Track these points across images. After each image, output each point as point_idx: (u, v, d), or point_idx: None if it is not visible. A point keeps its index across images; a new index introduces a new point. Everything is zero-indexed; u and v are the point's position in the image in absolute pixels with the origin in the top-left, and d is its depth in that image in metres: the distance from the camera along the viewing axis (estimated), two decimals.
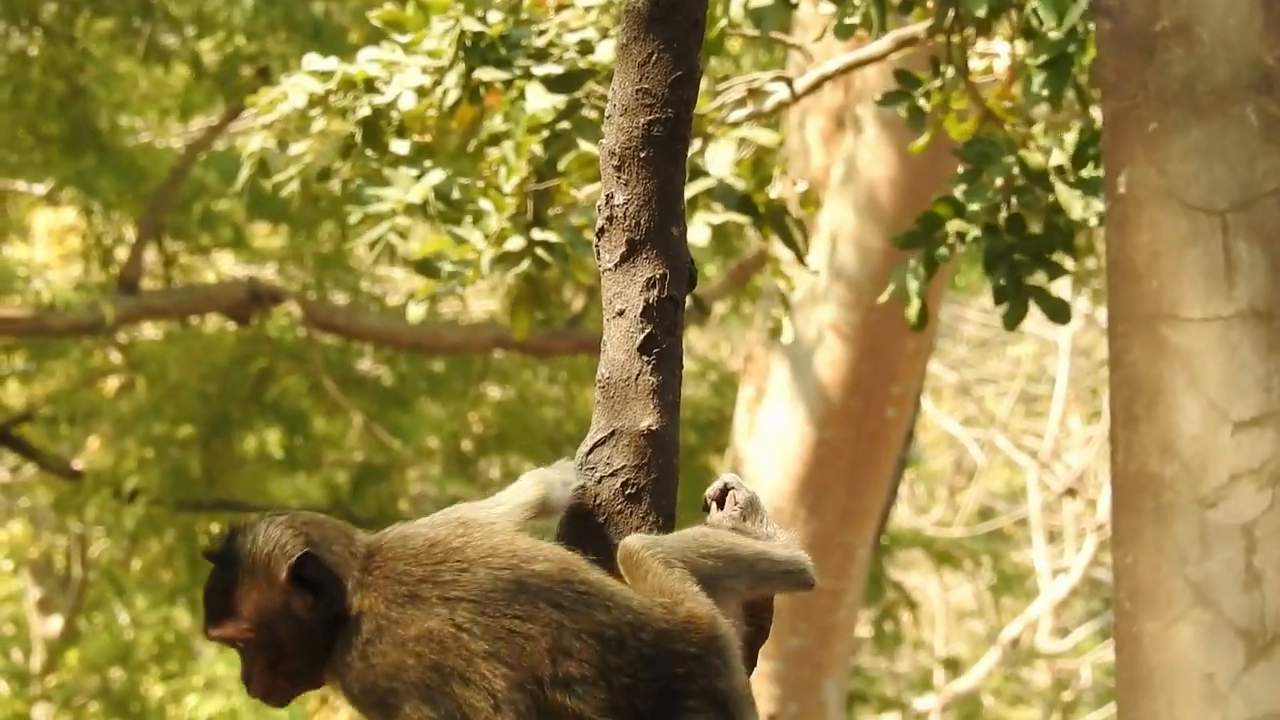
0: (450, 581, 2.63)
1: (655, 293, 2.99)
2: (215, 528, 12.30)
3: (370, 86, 6.20)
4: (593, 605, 2.61)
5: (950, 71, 5.66)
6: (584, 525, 2.91)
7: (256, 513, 2.81)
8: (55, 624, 18.12)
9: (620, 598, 2.63)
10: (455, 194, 6.13)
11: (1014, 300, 5.28)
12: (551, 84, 5.96)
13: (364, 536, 2.74)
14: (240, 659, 2.76)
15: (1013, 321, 5.33)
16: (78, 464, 13.83)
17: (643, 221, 2.98)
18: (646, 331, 2.98)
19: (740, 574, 2.74)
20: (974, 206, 5.51)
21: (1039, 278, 5.39)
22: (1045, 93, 5.37)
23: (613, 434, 2.92)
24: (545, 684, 2.56)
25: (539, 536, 2.84)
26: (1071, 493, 18.52)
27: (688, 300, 3.06)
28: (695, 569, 2.69)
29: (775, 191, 6.22)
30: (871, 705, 17.52)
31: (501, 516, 2.78)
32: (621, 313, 3.01)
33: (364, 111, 6.17)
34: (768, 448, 9.27)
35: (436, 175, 6.09)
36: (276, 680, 2.72)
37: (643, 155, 2.97)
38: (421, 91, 6.09)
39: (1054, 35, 5.40)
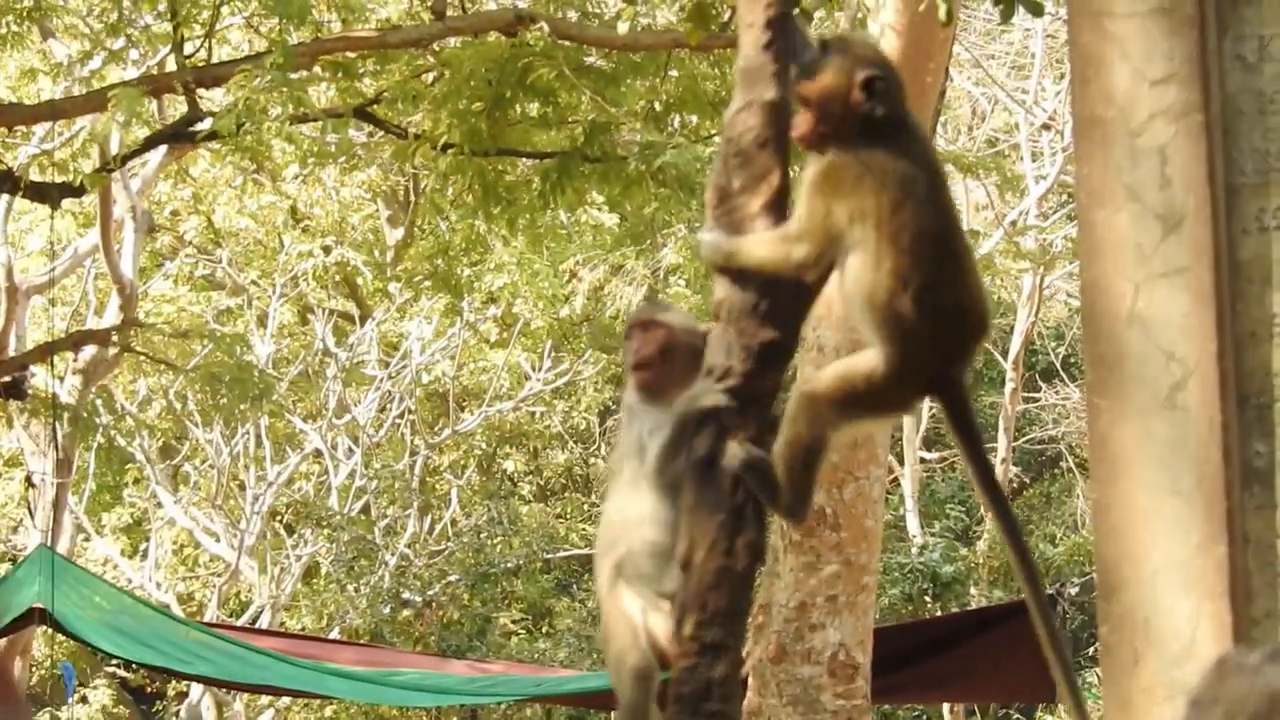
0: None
1: (771, 11, 3.51)
2: (500, 168, 13.83)
3: None
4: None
5: None
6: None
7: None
8: (399, 232, 21.73)
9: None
10: None
11: (1006, 3, 5.49)
12: None
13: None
14: (802, 115, 3.15)
15: (1006, 16, 5.62)
16: (409, 128, 13.46)
17: None
18: (768, 37, 3.49)
19: None
20: None
21: None
22: None
23: (748, 104, 3.28)
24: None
25: None
26: (1047, 126, 21.06)
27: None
28: None
29: None
30: None
31: None
32: (750, 25, 3.52)
33: None
34: None
35: None
36: (813, 135, 3.09)
37: None
38: None
39: None
